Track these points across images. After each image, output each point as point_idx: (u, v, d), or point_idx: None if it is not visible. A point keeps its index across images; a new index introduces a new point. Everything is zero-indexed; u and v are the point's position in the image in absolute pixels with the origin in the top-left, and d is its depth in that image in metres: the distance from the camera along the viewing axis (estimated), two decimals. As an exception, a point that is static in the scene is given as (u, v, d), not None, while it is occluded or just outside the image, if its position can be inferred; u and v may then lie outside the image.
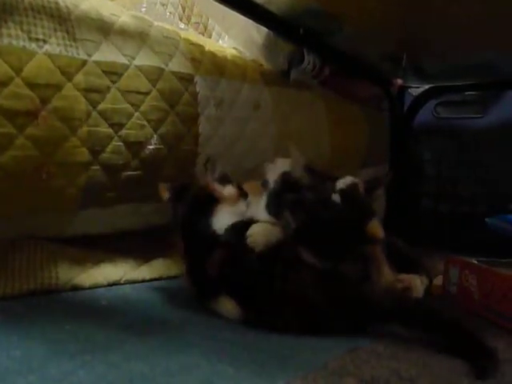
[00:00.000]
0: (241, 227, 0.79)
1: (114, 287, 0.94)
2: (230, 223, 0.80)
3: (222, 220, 0.81)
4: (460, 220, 1.65)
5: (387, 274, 0.90)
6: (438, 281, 1.05)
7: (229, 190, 0.86)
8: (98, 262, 0.96)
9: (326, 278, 0.74)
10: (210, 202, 0.84)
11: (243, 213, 0.84)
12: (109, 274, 0.96)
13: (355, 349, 0.67)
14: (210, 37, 1.49)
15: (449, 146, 1.74)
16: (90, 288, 0.91)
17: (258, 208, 0.83)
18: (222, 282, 0.77)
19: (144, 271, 1.01)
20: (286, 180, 0.82)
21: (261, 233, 0.77)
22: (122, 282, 0.97)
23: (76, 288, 0.90)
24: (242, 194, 0.87)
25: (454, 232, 1.63)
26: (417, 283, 0.96)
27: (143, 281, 1.00)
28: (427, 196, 1.78)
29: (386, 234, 1.13)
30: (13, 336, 0.66)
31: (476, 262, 0.94)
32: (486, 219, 1.42)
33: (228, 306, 0.77)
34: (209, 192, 0.85)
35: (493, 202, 1.59)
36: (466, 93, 1.72)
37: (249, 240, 0.75)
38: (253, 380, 0.56)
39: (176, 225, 0.88)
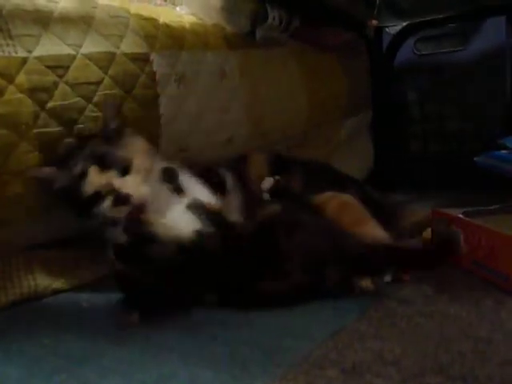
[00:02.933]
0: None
1: (96, 284, 0.92)
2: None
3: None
4: (449, 160, 1.61)
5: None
6: (427, 234, 1.02)
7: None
8: (76, 260, 0.93)
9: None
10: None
11: None
12: (90, 271, 0.94)
13: (338, 331, 0.66)
14: (173, 4, 1.41)
15: (432, 84, 1.68)
16: (71, 290, 0.90)
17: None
18: None
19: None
20: None
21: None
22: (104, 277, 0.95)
23: (57, 292, 0.88)
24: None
25: (444, 173, 1.60)
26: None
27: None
28: (414, 137, 1.73)
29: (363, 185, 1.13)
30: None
31: (462, 215, 0.91)
32: (475, 158, 1.38)
33: None
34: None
35: (481, 138, 1.54)
36: (445, 26, 1.64)
37: None
38: (231, 384, 0.55)
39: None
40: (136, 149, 0.85)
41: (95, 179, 0.79)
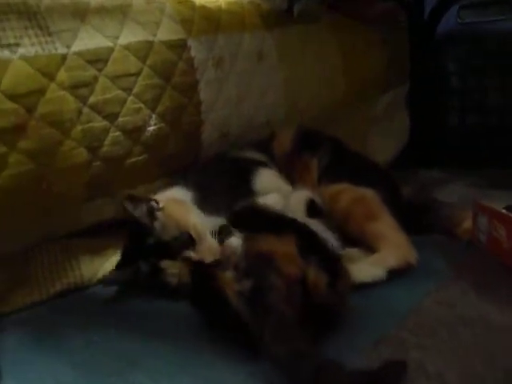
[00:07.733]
0: None
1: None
2: None
3: None
4: (489, 133, 1.56)
5: None
6: (468, 224, 1.00)
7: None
8: (119, 246, 0.95)
9: None
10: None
11: None
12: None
13: (380, 340, 0.66)
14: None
15: (474, 54, 1.61)
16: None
17: None
18: None
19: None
20: None
21: None
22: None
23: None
24: None
25: (483, 148, 1.55)
26: None
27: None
28: (454, 110, 1.68)
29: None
30: (43, 358, 0.67)
31: (504, 210, 0.89)
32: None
33: None
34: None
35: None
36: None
37: None
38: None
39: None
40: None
41: None
